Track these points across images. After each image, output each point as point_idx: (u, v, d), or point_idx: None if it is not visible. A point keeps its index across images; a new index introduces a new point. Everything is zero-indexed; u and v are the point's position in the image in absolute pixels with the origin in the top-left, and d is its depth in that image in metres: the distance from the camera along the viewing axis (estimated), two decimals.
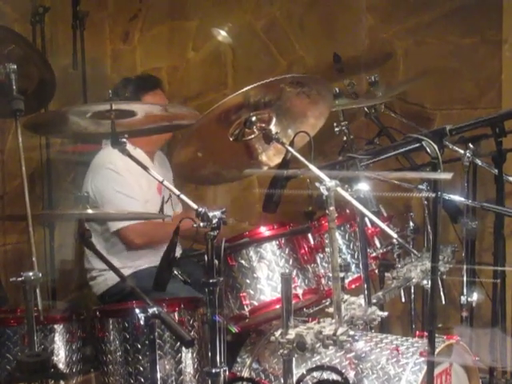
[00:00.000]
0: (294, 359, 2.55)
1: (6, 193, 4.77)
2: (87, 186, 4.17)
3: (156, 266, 3.01)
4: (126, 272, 4.00)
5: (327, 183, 2.53)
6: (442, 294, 3.54)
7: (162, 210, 4.37)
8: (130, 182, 4.13)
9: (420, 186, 3.39)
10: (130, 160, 2.96)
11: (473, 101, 4.57)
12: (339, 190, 2.55)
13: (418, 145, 2.62)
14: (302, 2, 5.06)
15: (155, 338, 2.98)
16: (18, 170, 2.80)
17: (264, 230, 3.36)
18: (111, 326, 3.27)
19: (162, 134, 4.16)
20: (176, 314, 3.27)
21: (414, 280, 3.30)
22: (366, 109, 4.29)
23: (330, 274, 3.11)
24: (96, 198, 4.06)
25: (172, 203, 4.43)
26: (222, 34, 5.31)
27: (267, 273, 3.24)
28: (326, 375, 3.05)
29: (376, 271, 3.58)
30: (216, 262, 2.66)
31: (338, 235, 3.49)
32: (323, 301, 3.49)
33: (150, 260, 4.14)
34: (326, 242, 3.40)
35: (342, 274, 3.29)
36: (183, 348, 3.21)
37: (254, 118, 2.99)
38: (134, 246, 4.16)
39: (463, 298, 3.55)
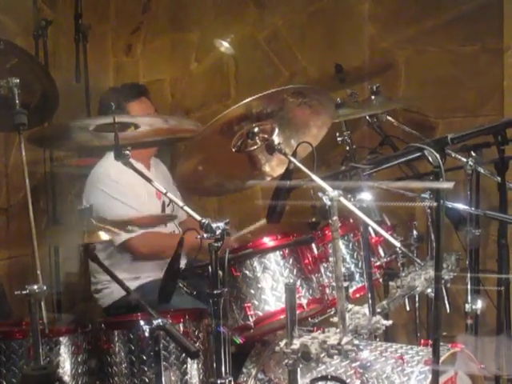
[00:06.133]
0: (299, 369, 2.55)
1: (11, 205, 4.79)
2: (84, 201, 4.20)
3: (160, 279, 3.02)
4: (131, 285, 4.00)
5: (330, 193, 2.54)
6: (446, 302, 3.54)
7: None
8: (125, 191, 4.15)
9: (423, 195, 3.39)
10: (127, 169, 2.97)
11: (475, 109, 4.58)
12: (342, 199, 2.56)
13: (419, 154, 2.63)
14: (304, 13, 5.07)
15: (160, 350, 2.98)
16: (22, 183, 2.82)
17: (268, 241, 3.36)
18: (116, 338, 3.27)
19: (163, 145, 4.18)
20: (181, 326, 3.27)
21: (418, 288, 3.30)
22: (368, 118, 4.30)
23: (334, 284, 3.11)
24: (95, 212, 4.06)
25: (174, 207, 4.41)
26: (225, 46, 5.32)
27: (271, 283, 3.24)
28: None
29: (380, 280, 3.58)
30: (220, 272, 2.67)
31: (341, 245, 3.50)
32: (328, 310, 3.50)
33: (154, 273, 4.14)
34: (330, 251, 3.40)
35: (346, 284, 3.29)
36: (188, 359, 3.21)
37: (256, 129, 2.99)
38: (141, 255, 4.16)
39: (468, 306, 3.54)
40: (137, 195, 4.19)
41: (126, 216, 4.03)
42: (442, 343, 2.72)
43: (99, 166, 4.27)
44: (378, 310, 2.91)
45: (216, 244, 2.64)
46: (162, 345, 3.00)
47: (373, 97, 4.24)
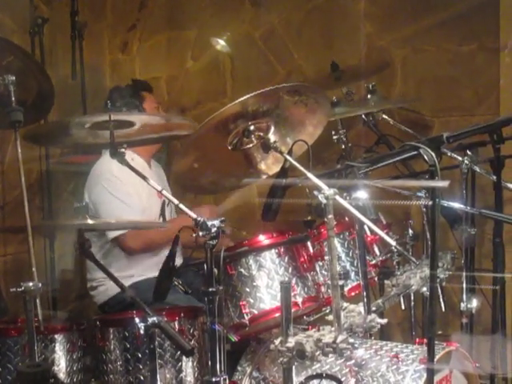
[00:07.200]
0: (293, 367, 2.55)
1: (7, 203, 4.79)
2: (86, 196, 4.20)
3: (156, 277, 3.02)
4: (126, 282, 4.00)
5: (326, 191, 2.54)
6: (441, 300, 3.54)
7: (163, 214, 4.38)
8: (127, 190, 4.14)
9: (418, 194, 3.39)
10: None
11: (471, 108, 4.58)
12: (338, 198, 2.56)
13: (415, 152, 2.63)
14: (300, 11, 5.07)
15: (155, 348, 2.98)
16: (18, 180, 2.82)
17: (263, 239, 3.36)
18: (112, 336, 3.27)
19: (160, 143, 4.19)
20: (176, 323, 3.27)
21: (413, 287, 3.30)
22: (364, 117, 4.30)
23: (330, 282, 3.11)
24: (94, 208, 4.08)
25: (172, 207, 4.43)
26: (221, 44, 5.33)
27: (267, 281, 3.24)
28: (325, 383, 3.05)
29: (376, 279, 3.58)
30: (215, 270, 2.66)
31: (337, 243, 3.50)
32: (323, 309, 3.50)
33: (150, 270, 4.14)
34: (326, 249, 3.40)
35: (341, 282, 3.29)
36: (183, 357, 3.21)
37: (252, 127, 2.99)
38: (132, 251, 4.16)
39: (463, 305, 3.54)
40: (137, 193, 4.19)
41: (125, 215, 4.06)
42: (436, 342, 2.72)
43: (101, 163, 4.25)
44: (373, 309, 2.91)
45: (211, 242, 2.63)
46: (157, 342, 3.00)
47: (369, 95, 4.25)
